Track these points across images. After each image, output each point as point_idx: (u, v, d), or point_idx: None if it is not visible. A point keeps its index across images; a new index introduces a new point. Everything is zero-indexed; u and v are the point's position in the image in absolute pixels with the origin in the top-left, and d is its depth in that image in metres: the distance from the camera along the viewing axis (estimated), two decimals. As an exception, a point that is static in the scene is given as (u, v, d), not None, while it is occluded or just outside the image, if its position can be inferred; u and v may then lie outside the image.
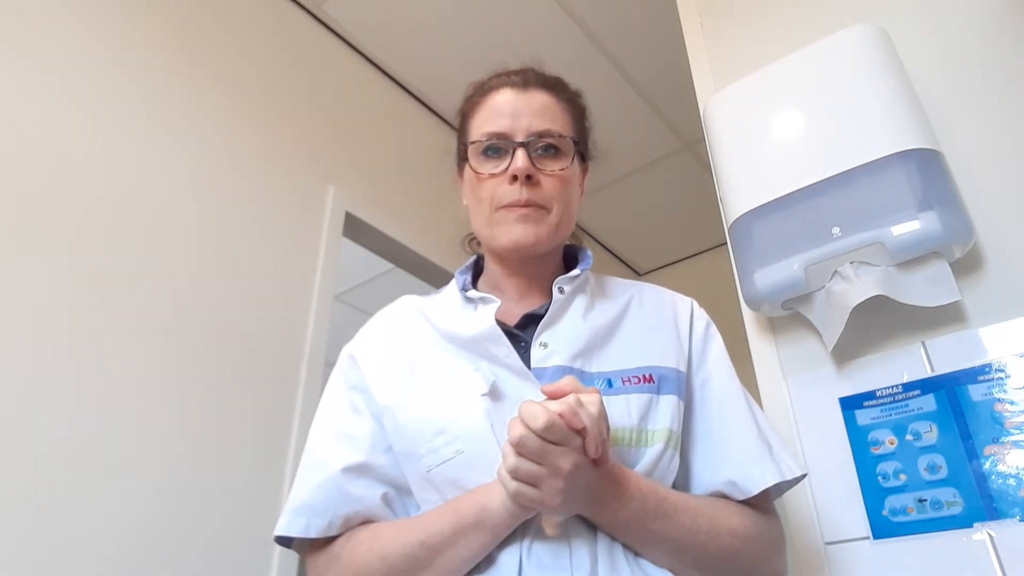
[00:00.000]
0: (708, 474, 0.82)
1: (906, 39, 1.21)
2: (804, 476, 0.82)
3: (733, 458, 0.81)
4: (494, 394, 0.77)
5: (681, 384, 0.83)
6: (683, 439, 0.82)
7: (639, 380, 0.80)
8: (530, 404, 0.65)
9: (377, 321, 0.95)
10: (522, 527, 0.72)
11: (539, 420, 0.63)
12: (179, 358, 1.58)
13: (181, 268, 1.65)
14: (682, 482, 0.83)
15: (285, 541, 0.81)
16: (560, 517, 0.71)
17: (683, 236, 3.48)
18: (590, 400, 0.67)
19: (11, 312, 1.34)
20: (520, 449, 0.64)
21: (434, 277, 2.43)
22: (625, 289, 0.94)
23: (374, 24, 2.36)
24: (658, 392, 0.80)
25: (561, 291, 0.86)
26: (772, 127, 1.21)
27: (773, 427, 0.87)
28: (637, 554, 0.74)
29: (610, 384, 0.79)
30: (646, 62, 2.55)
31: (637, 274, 3.76)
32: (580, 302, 0.87)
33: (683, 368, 0.85)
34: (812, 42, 1.24)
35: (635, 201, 3.25)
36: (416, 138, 2.58)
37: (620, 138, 2.88)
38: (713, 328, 0.93)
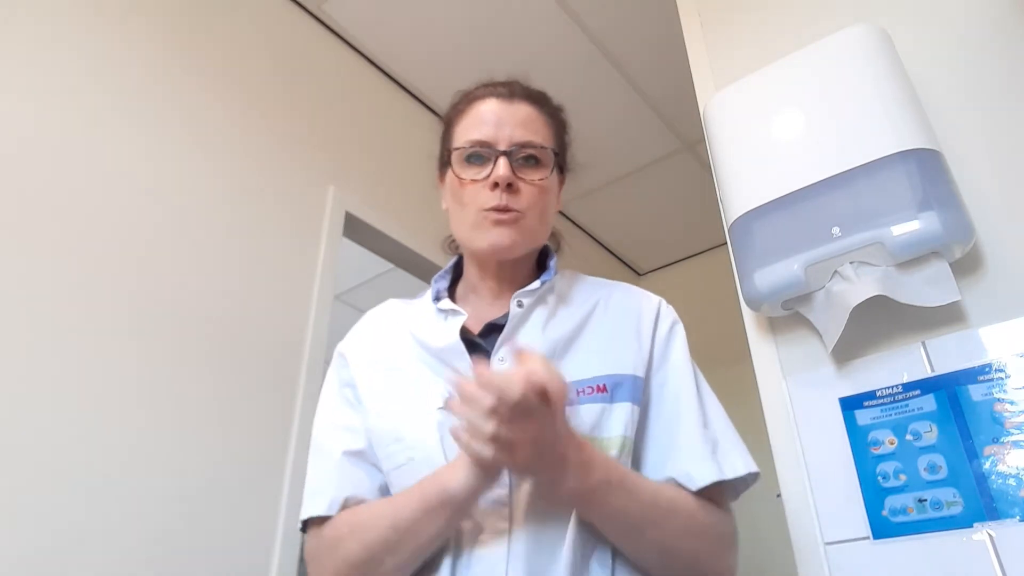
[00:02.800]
0: (653, 473, 0.83)
1: (906, 39, 1.21)
2: (755, 475, 0.83)
3: (677, 456, 0.83)
4: (449, 406, 0.82)
5: (637, 390, 0.85)
6: (637, 441, 0.84)
7: (592, 391, 0.82)
8: (502, 373, 0.68)
9: (365, 323, 0.99)
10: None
11: (516, 388, 0.66)
12: (179, 358, 1.58)
13: (181, 268, 1.65)
14: None
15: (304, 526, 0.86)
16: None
17: (683, 236, 3.48)
18: (551, 368, 0.70)
19: (8, 313, 1.34)
20: (498, 416, 0.67)
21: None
22: (594, 292, 0.96)
23: (374, 24, 2.36)
24: (611, 401, 0.83)
25: (520, 305, 0.89)
26: (772, 127, 1.21)
27: (733, 426, 0.88)
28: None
29: None
30: (646, 62, 2.55)
31: (637, 274, 3.76)
32: (539, 314, 0.89)
33: (641, 372, 0.87)
34: (812, 42, 1.24)
35: (635, 201, 3.25)
36: (416, 138, 2.57)
37: (620, 138, 2.88)
38: (678, 327, 0.94)
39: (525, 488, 0.77)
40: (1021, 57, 1.13)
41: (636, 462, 0.84)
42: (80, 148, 1.55)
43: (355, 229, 2.20)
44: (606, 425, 0.81)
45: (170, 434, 1.51)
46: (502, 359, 0.85)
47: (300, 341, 1.86)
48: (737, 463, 0.82)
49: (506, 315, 0.89)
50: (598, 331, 0.90)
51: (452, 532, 0.76)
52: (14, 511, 1.24)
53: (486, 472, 0.72)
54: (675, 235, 3.49)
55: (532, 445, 0.69)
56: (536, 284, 0.91)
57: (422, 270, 2.42)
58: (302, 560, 1.67)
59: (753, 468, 0.83)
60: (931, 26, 1.23)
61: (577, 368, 0.84)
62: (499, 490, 0.77)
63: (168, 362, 1.56)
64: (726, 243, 1.26)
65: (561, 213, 3.31)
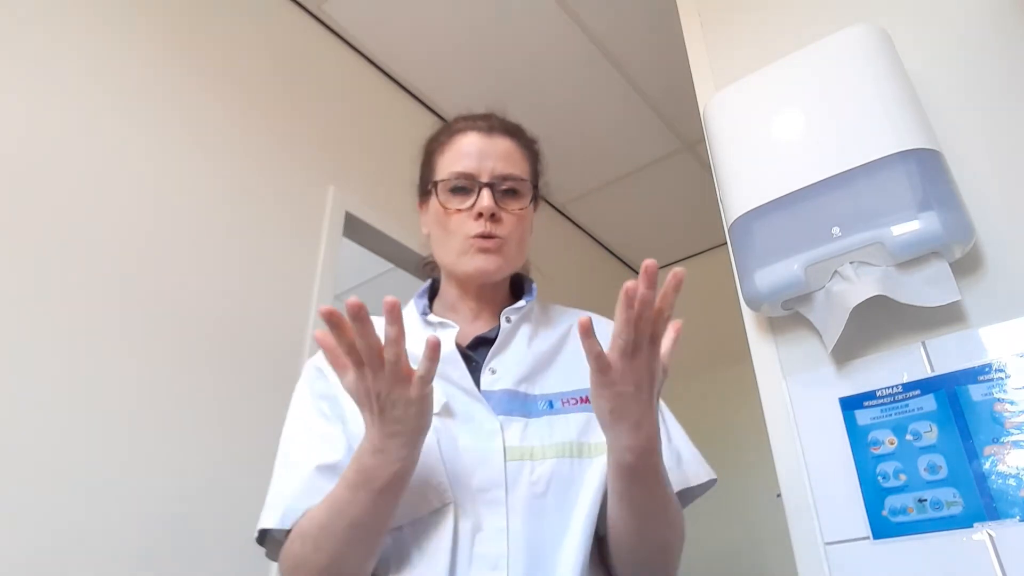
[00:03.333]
0: None
1: (906, 39, 1.21)
2: (713, 480, 0.91)
3: None
4: (445, 412, 0.86)
5: None
6: None
7: (576, 401, 0.89)
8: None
9: None
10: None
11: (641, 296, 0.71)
12: (179, 358, 1.58)
13: (181, 268, 1.65)
14: None
15: (262, 539, 0.84)
16: None
17: (683, 236, 3.49)
18: None
19: (12, 313, 1.34)
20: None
21: (434, 277, 2.43)
22: (565, 318, 1.03)
23: (374, 24, 2.36)
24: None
25: (508, 320, 0.96)
26: (772, 127, 1.21)
27: (690, 439, 0.96)
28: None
29: (551, 405, 0.89)
30: (646, 62, 2.55)
31: (637, 274, 3.75)
32: (525, 330, 0.97)
33: None
34: (812, 42, 1.24)
35: (635, 201, 3.25)
36: (416, 138, 2.57)
37: (620, 138, 2.88)
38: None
39: (521, 483, 0.81)
40: (1021, 57, 1.13)
41: None
42: (79, 148, 1.55)
43: (355, 229, 2.20)
44: (593, 431, 0.86)
45: (169, 434, 1.51)
46: (494, 370, 0.91)
47: (300, 341, 1.86)
48: (700, 471, 0.91)
49: (492, 330, 0.96)
50: (575, 350, 0.93)
51: (384, 509, 0.76)
52: (14, 511, 1.24)
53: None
54: (675, 235, 3.49)
55: (634, 381, 0.71)
56: (522, 303, 0.98)
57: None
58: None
59: (712, 475, 0.92)
60: (931, 26, 1.23)
61: (559, 381, 0.92)
62: (495, 491, 0.80)
63: (168, 362, 1.56)
64: (726, 243, 1.26)
65: (561, 213, 3.32)
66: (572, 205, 3.22)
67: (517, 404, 0.88)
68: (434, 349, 0.70)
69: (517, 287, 1.06)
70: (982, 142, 1.11)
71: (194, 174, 1.76)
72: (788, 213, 1.14)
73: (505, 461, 0.82)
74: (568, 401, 0.89)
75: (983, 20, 1.18)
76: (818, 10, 1.37)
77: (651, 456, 0.76)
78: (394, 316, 0.67)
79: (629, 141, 2.91)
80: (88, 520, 1.33)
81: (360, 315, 0.67)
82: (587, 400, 0.86)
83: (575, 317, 1.01)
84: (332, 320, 0.68)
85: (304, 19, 2.28)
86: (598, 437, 0.84)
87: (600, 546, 0.87)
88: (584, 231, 3.44)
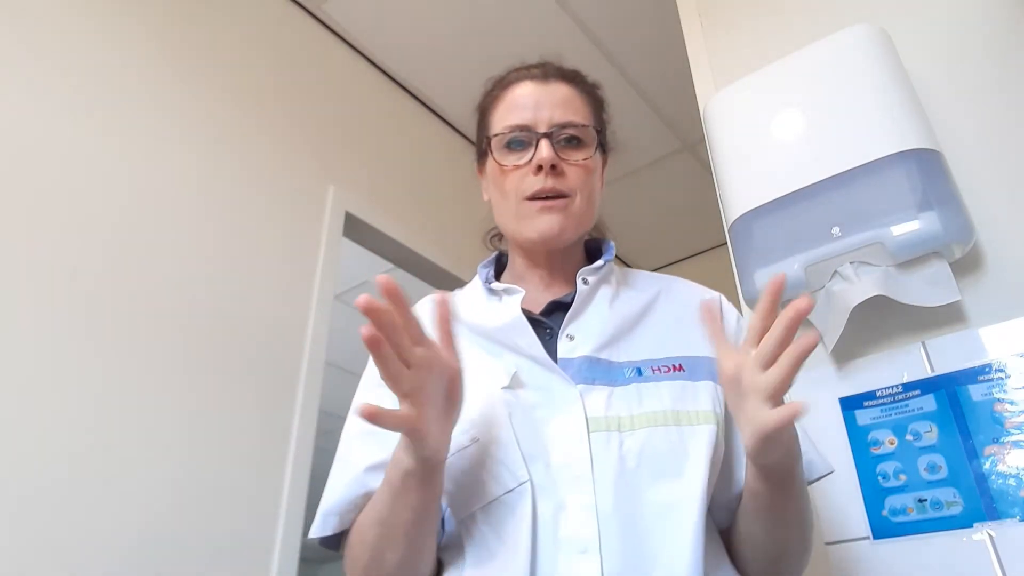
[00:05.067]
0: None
1: (906, 39, 1.21)
2: (831, 472, 0.83)
3: None
4: (516, 384, 0.78)
5: (715, 372, 0.80)
6: (727, 427, 0.81)
7: (668, 369, 0.80)
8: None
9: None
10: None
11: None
12: (179, 358, 1.58)
13: (181, 268, 1.65)
14: (724, 470, 0.81)
15: (329, 542, 0.80)
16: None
17: (683, 236, 3.48)
18: None
19: (15, 315, 1.34)
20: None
21: (434, 277, 2.43)
22: (653, 282, 0.93)
23: (374, 24, 2.36)
24: (692, 379, 0.80)
25: (585, 282, 0.86)
26: (772, 127, 1.21)
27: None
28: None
29: (639, 372, 0.79)
30: (646, 62, 2.55)
31: (637, 274, 3.76)
32: (605, 292, 0.87)
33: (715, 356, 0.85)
34: (812, 42, 1.24)
35: (635, 201, 3.25)
36: (416, 138, 2.58)
37: (620, 138, 2.87)
38: (744, 322, 0.91)
39: (610, 457, 0.73)
40: (1021, 57, 1.13)
41: (729, 446, 0.81)
42: (78, 148, 1.55)
43: (355, 229, 2.19)
44: (691, 399, 0.78)
45: (169, 434, 1.51)
46: (571, 336, 0.82)
47: (300, 341, 1.86)
48: (818, 464, 0.83)
49: (568, 294, 0.86)
50: (664, 315, 0.87)
51: (427, 510, 0.71)
52: (16, 511, 1.24)
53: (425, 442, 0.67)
54: (675, 235, 3.49)
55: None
56: (600, 263, 0.89)
57: (422, 270, 2.42)
58: (303, 560, 1.68)
59: (831, 467, 0.83)
60: (931, 26, 1.23)
61: (648, 347, 0.82)
62: (579, 466, 0.72)
63: (167, 362, 1.56)
64: (726, 243, 1.26)
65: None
66: (572, 205, 3.21)
67: (600, 372, 0.78)
68: (442, 305, 0.64)
69: (593, 253, 0.95)
70: (982, 142, 1.11)
71: (194, 174, 1.76)
72: (788, 213, 1.14)
73: (589, 433, 0.73)
74: (659, 368, 0.79)
75: (983, 20, 1.18)
76: (818, 10, 1.37)
77: (798, 460, 0.72)
78: (397, 300, 0.63)
79: (629, 141, 2.90)
80: (87, 520, 1.33)
81: (396, 295, 0.62)
82: (680, 368, 0.79)
83: (664, 281, 0.93)
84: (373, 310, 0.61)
85: (304, 19, 2.28)
86: (699, 405, 0.77)
87: (723, 537, 0.81)
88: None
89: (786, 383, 0.65)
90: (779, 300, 0.67)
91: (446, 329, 0.68)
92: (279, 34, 2.17)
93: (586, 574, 0.66)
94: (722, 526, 0.81)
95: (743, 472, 0.78)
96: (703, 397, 0.79)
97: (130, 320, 1.52)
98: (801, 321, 0.65)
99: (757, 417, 0.65)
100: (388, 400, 0.69)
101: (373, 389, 0.85)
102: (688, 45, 1.57)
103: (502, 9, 2.33)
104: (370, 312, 0.61)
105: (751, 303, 1.18)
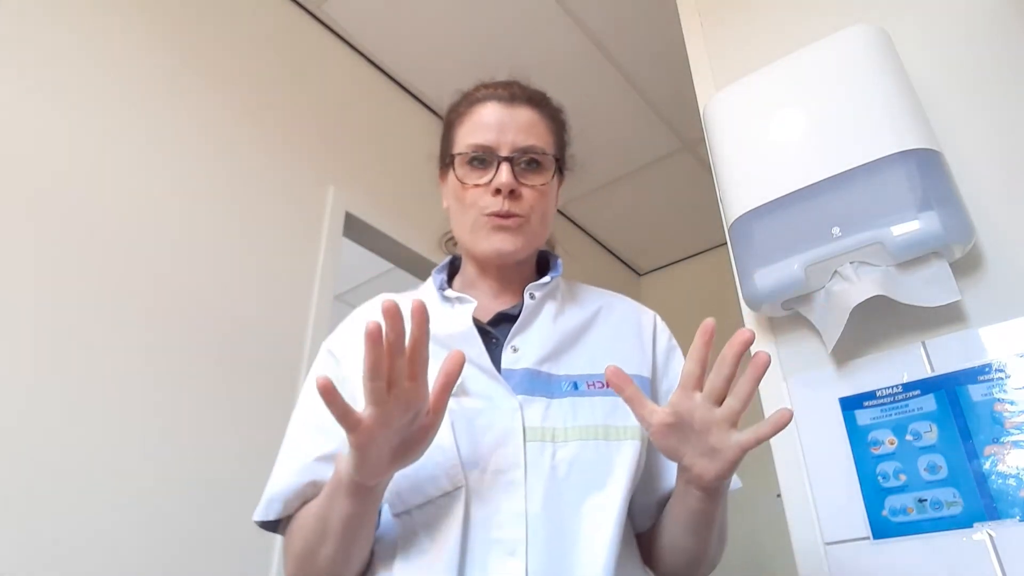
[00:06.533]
0: (670, 475, 0.85)
1: (906, 39, 1.21)
2: (738, 489, 0.89)
3: None
4: (460, 392, 0.80)
5: (646, 389, 0.88)
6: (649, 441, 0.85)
7: (603, 385, 0.84)
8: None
9: (356, 317, 0.97)
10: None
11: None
12: (179, 358, 1.58)
13: (181, 268, 1.65)
14: (647, 479, 0.87)
15: (271, 525, 0.84)
16: None
17: (683, 236, 3.48)
18: None
19: (11, 316, 1.34)
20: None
21: (434, 277, 2.43)
22: (596, 298, 0.98)
23: (374, 24, 2.36)
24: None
25: (532, 296, 0.91)
26: (772, 127, 1.21)
27: None
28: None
29: (576, 387, 0.84)
30: (646, 62, 2.55)
31: (637, 274, 3.76)
32: (550, 307, 0.92)
33: (646, 374, 0.90)
34: (812, 42, 1.24)
35: (635, 201, 3.25)
36: (416, 138, 2.58)
37: (620, 138, 2.88)
38: (674, 342, 0.98)
39: (542, 466, 0.77)
40: (1021, 57, 1.13)
41: (649, 462, 0.86)
42: (78, 149, 1.55)
43: (355, 229, 2.19)
44: (621, 415, 0.82)
45: (169, 434, 1.51)
46: (516, 348, 0.85)
47: (300, 341, 1.86)
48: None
49: (515, 306, 0.90)
50: (603, 331, 0.92)
51: (362, 518, 0.74)
52: (22, 513, 1.24)
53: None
54: (675, 235, 3.49)
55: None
56: (547, 279, 0.93)
57: (422, 270, 2.42)
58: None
59: (738, 483, 0.88)
60: (931, 26, 1.23)
61: (585, 363, 0.86)
62: (513, 472, 0.76)
63: (166, 362, 1.56)
64: (726, 243, 1.26)
65: (561, 213, 3.32)
66: (572, 205, 3.22)
67: (539, 384, 0.83)
68: (420, 312, 0.64)
69: (543, 264, 1.00)
70: (982, 142, 1.11)
71: (194, 174, 1.76)
72: (788, 213, 1.14)
73: (525, 442, 0.78)
74: (594, 384, 0.84)
75: (983, 20, 1.18)
76: (818, 10, 1.37)
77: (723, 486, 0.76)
78: (420, 317, 0.65)
79: (629, 141, 2.91)
80: (89, 521, 1.33)
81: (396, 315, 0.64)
82: None
83: (605, 298, 0.98)
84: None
85: (304, 19, 2.28)
86: (627, 420, 0.81)
87: (638, 542, 0.86)
88: (584, 231, 3.44)
89: (745, 407, 0.70)
90: (711, 345, 0.70)
91: (448, 382, 0.68)
92: (279, 34, 2.17)
93: (512, 574, 0.71)
94: (640, 529, 0.87)
95: (663, 481, 0.86)
96: (631, 413, 0.81)
97: (130, 320, 1.52)
98: (744, 352, 0.69)
99: (728, 442, 0.69)
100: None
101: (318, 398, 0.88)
102: (688, 45, 1.57)
103: (502, 9, 2.33)
104: (389, 316, 0.63)
105: (751, 303, 1.18)
